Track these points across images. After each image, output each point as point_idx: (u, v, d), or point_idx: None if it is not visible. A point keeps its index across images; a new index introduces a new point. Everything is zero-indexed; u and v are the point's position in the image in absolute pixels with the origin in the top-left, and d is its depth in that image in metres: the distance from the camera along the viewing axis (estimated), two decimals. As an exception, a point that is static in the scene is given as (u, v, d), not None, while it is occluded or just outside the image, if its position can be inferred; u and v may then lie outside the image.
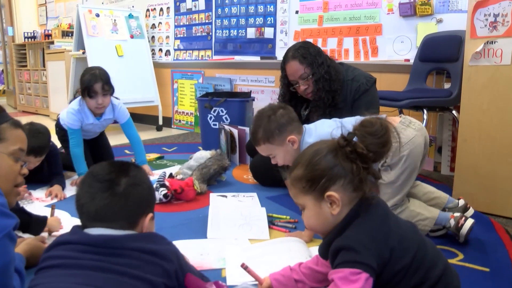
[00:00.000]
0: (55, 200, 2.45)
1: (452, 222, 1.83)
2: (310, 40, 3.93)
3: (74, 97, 2.87)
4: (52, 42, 6.32)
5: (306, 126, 1.98)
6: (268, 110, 1.95)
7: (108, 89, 2.75)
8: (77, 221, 1.15)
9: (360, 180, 1.11)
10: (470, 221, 1.83)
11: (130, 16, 5.22)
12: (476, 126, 2.35)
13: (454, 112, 2.89)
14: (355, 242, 1.07)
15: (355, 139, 1.13)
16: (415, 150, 1.86)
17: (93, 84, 2.68)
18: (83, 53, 4.86)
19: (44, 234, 1.84)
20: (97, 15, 4.97)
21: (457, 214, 1.86)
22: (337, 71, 2.39)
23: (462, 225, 1.81)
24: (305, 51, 2.36)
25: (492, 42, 2.24)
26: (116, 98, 2.91)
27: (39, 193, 2.55)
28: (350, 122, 1.47)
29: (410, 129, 1.89)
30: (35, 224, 1.80)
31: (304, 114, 2.53)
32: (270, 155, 1.99)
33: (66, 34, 6.58)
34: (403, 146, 1.83)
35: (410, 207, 1.90)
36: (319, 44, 3.89)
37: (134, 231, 1.12)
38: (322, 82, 2.33)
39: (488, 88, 2.28)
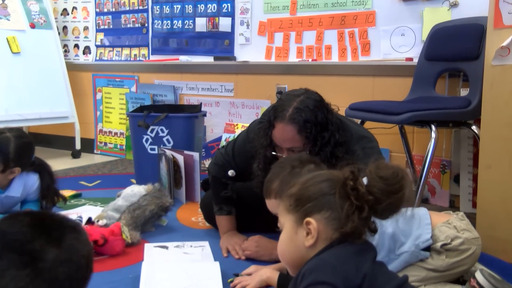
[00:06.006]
0: None
1: None
2: (280, 34, 3.94)
3: None
4: None
5: None
6: (295, 160, 1.99)
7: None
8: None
9: (347, 220, 1.27)
10: (477, 273, 1.84)
11: (29, -5, 5.09)
12: (503, 147, 2.36)
13: (474, 127, 2.88)
14: (321, 261, 1.26)
15: (365, 180, 1.31)
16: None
17: None
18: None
19: None
20: (-27, -9, 4.75)
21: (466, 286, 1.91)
22: (343, 144, 2.22)
23: (478, 282, 1.82)
24: (310, 116, 2.12)
25: (524, 33, 2.29)
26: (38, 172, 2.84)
27: None
28: None
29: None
30: None
31: None
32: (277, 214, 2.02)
33: None
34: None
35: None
36: (292, 39, 3.93)
37: None
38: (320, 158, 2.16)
39: (519, 95, 2.33)
